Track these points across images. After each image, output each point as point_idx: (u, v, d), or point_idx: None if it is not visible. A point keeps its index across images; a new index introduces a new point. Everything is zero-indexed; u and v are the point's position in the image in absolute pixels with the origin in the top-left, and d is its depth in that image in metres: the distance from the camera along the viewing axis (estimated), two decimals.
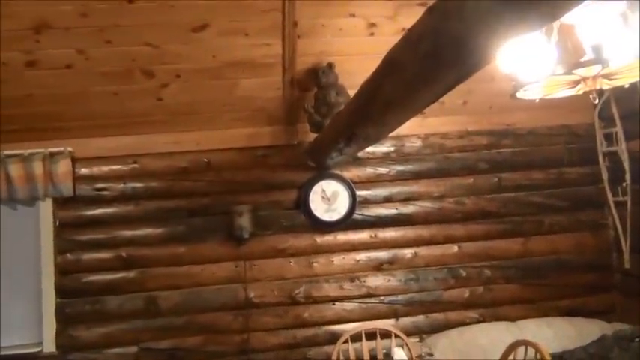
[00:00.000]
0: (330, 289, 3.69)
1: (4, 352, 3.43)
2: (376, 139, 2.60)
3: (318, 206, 3.70)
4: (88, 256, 3.52)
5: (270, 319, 3.62)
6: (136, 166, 3.62)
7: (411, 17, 3.06)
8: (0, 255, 3.55)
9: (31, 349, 3.44)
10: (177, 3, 2.85)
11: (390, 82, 1.69)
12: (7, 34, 2.91)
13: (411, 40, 1.45)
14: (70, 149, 3.48)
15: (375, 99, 1.86)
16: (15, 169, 3.38)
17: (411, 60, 1.50)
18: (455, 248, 3.83)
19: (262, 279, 3.64)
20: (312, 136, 3.53)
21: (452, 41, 1.29)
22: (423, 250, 3.81)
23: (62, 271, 3.50)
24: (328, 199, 3.71)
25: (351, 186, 3.76)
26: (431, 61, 1.42)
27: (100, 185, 3.58)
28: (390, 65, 1.64)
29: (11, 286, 3.56)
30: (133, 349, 3.50)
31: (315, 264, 3.70)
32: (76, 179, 3.51)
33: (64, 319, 3.49)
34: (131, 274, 3.54)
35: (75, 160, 3.51)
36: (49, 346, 3.44)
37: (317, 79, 3.23)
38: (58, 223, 3.52)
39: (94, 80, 3.21)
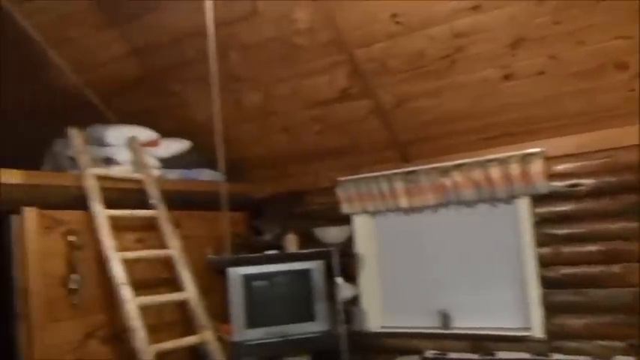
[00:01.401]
0: None
1: (494, 332, 3.89)
2: None
3: None
4: (567, 249, 3.65)
5: None
6: (608, 160, 3.58)
7: None
8: (483, 247, 4.07)
9: (518, 333, 3.78)
10: None
11: None
12: (483, 54, 3.38)
13: None
14: (542, 149, 3.68)
15: None
16: (494, 172, 3.81)
17: None
18: None
19: None
20: None
21: None
22: None
23: (543, 263, 3.72)
24: None
25: None
26: None
27: (572, 181, 3.67)
28: None
29: (496, 274, 4.01)
30: (619, 344, 3.45)
31: None
32: (550, 177, 3.70)
33: (548, 307, 3.68)
34: (613, 268, 3.51)
35: (547, 159, 3.69)
36: (537, 332, 3.69)
37: None
38: (535, 219, 3.78)
39: (565, 81, 3.36)
